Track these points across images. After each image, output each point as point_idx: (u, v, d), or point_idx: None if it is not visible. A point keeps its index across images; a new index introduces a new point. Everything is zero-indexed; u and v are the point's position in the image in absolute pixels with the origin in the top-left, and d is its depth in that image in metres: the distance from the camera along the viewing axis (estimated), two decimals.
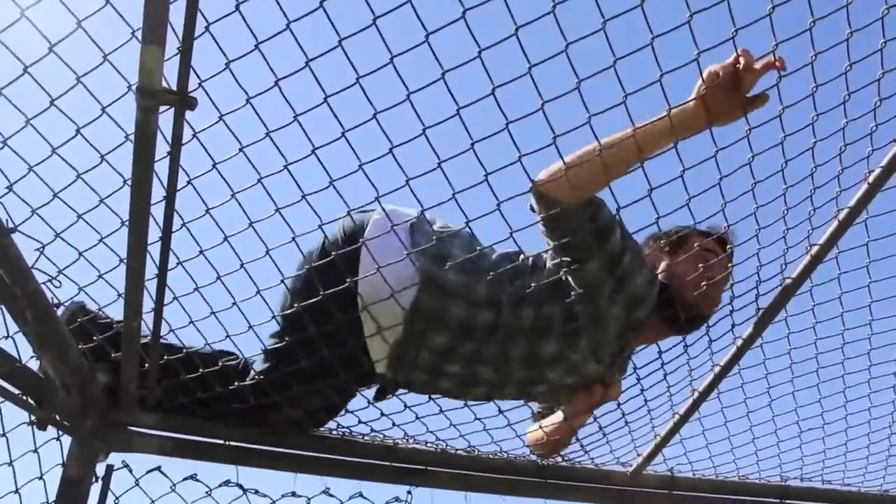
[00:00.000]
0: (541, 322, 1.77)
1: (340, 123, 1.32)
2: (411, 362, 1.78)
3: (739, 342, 2.15)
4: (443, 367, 1.79)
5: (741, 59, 1.38)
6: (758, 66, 1.37)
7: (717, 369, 2.23)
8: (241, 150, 1.40)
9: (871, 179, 1.75)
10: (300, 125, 1.31)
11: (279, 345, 1.76)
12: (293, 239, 1.51)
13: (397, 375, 1.82)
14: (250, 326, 1.70)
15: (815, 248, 1.90)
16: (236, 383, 1.80)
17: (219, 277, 1.62)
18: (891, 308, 2.09)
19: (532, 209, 1.69)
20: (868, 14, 1.36)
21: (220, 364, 1.79)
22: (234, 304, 1.66)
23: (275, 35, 1.23)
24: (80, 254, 1.63)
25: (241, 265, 1.59)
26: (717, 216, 1.64)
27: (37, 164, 1.50)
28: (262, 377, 1.79)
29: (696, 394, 2.25)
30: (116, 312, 1.75)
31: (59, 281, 1.68)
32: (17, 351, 1.65)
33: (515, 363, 1.82)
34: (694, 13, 1.19)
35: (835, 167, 1.68)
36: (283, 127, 1.33)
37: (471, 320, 1.74)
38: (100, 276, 1.67)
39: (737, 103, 1.39)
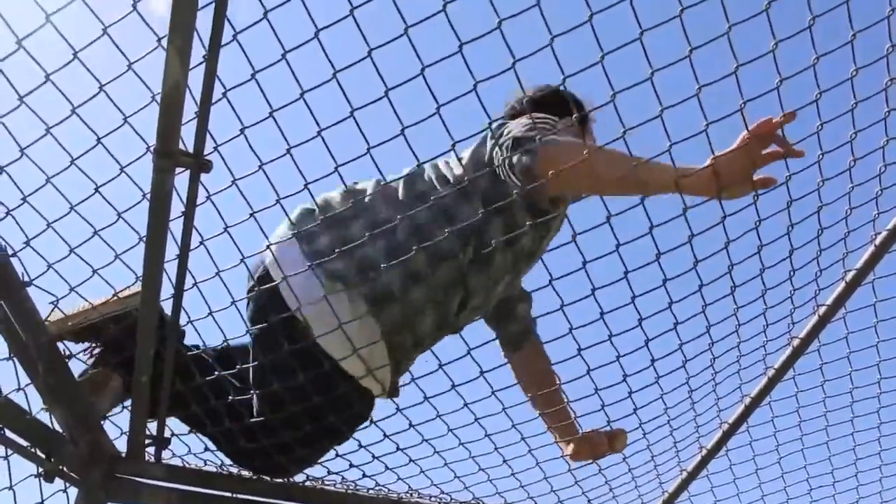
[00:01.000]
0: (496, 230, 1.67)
1: (344, 182, 1.34)
2: (409, 349, 1.74)
3: (748, 400, 2.15)
4: (440, 324, 1.74)
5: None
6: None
7: (725, 426, 2.23)
8: (251, 215, 1.42)
9: (877, 241, 1.77)
10: (310, 193, 1.33)
11: (264, 414, 1.70)
12: (298, 309, 1.52)
13: (400, 368, 1.77)
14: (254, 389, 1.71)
15: (822, 309, 1.91)
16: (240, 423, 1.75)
17: (226, 340, 1.63)
18: None
19: (506, 165, 1.59)
20: (873, 81, 1.38)
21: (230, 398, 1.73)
22: (238, 367, 1.67)
23: (289, 104, 1.26)
24: (94, 307, 1.66)
25: (247, 331, 1.61)
26: (723, 278, 1.65)
27: (55, 221, 1.53)
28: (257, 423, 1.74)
29: (705, 451, 2.25)
30: None
31: None
32: (28, 403, 1.66)
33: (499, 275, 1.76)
34: (703, 85, 1.22)
35: (841, 230, 1.70)
36: (295, 194, 1.35)
37: (438, 285, 1.65)
38: (113, 329, 1.68)
39: (748, 177, 1.38)
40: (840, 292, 1.88)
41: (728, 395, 2.14)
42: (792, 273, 1.73)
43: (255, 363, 1.64)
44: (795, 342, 2.00)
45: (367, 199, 1.64)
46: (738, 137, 1.37)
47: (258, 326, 1.60)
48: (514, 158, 1.54)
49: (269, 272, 1.62)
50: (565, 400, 1.92)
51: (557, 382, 1.87)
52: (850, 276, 1.85)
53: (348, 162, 1.29)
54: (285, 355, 1.55)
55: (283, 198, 1.38)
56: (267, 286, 1.57)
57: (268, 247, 1.54)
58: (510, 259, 1.75)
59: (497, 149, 1.61)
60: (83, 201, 1.51)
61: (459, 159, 1.65)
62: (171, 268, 1.53)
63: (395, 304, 1.61)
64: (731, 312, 1.73)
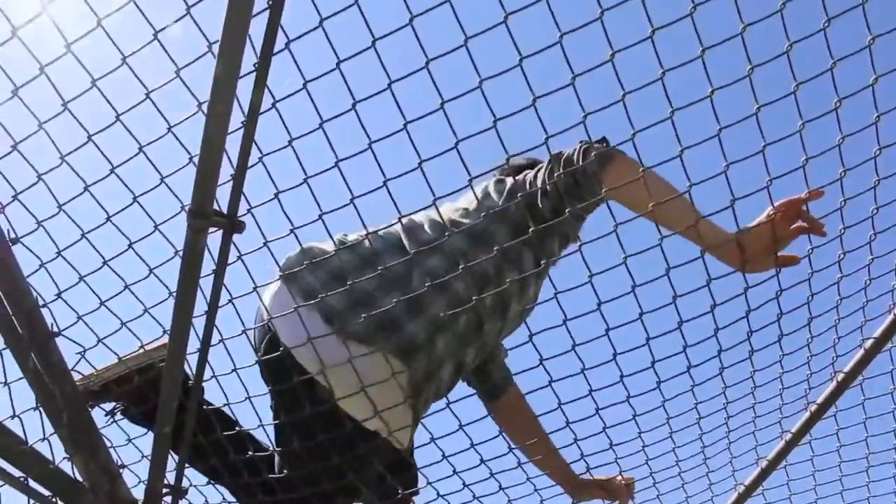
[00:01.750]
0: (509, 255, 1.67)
1: (331, 235, 1.36)
2: (429, 400, 1.72)
3: (764, 463, 2.15)
4: (457, 371, 1.74)
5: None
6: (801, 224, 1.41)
7: (741, 489, 2.22)
8: (280, 276, 1.45)
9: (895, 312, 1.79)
10: (339, 259, 1.36)
11: (283, 470, 1.70)
12: (321, 371, 1.54)
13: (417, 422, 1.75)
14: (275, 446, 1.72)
15: (840, 375, 1.92)
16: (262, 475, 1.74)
17: (248, 398, 1.65)
18: None
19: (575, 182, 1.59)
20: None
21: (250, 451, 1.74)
22: (259, 425, 1.69)
23: (323, 172, 1.29)
24: (120, 359, 1.68)
25: (269, 389, 1.62)
26: (742, 344, 1.66)
27: (87, 275, 1.56)
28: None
29: None
30: None
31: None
32: (52, 452, 1.68)
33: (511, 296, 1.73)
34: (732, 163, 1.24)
35: (860, 299, 1.72)
36: (325, 258, 1.38)
37: (459, 333, 1.64)
38: (136, 381, 1.70)
39: (772, 254, 1.40)
40: (859, 359, 1.89)
41: (743, 454, 2.15)
42: (810, 339, 1.75)
43: (276, 422, 1.65)
44: (813, 407, 2.01)
45: (367, 250, 1.59)
46: (763, 211, 1.40)
47: (279, 387, 1.60)
48: (587, 165, 1.54)
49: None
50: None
51: (541, 427, 1.93)
52: (868, 343, 1.86)
53: (379, 229, 1.31)
54: (306, 416, 1.56)
55: (314, 260, 1.40)
56: (289, 349, 1.56)
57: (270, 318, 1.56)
58: (519, 306, 1.76)
59: (555, 164, 1.61)
60: (116, 256, 1.54)
61: (469, 205, 1.69)
62: (197, 323, 1.56)
63: (421, 354, 1.59)
64: (748, 375, 1.74)
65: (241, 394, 1.72)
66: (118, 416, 1.78)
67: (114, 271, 1.56)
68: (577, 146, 1.61)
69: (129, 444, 1.83)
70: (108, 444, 1.77)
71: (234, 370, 1.65)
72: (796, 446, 2.11)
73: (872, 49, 1.18)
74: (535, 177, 1.67)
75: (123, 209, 1.48)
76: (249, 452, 1.72)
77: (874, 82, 1.21)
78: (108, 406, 1.77)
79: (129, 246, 1.52)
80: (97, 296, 1.59)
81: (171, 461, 1.83)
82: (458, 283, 1.55)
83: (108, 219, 1.50)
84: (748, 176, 1.37)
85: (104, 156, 1.43)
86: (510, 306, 1.72)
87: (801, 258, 1.43)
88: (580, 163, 1.55)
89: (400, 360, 1.57)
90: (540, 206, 1.64)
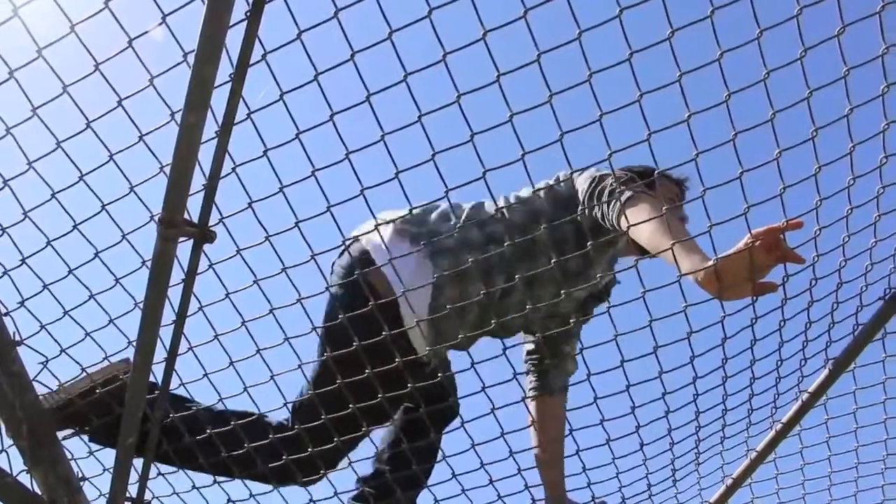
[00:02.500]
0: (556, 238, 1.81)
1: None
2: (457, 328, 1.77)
3: (729, 480, 2.18)
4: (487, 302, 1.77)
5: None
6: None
7: None
8: (255, 282, 1.43)
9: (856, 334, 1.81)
10: (317, 264, 1.35)
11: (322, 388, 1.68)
12: (299, 366, 1.52)
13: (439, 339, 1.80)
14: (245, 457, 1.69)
15: (805, 395, 1.95)
16: (270, 436, 1.74)
17: (220, 399, 1.62)
18: None
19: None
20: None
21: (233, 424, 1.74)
22: (231, 427, 1.66)
23: (299, 181, 1.27)
24: (83, 369, 1.64)
25: (245, 388, 1.60)
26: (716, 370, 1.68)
27: (52, 283, 1.53)
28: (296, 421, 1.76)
29: None
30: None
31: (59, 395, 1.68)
32: (10, 465, 1.64)
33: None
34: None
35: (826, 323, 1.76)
36: (300, 265, 1.36)
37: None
38: (100, 392, 1.67)
39: (749, 282, 1.41)
40: (822, 380, 1.93)
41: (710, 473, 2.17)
42: (779, 363, 1.77)
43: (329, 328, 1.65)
44: (778, 426, 2.04)
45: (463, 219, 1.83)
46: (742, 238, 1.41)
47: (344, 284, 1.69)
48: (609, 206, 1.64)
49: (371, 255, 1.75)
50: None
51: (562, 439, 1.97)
52: (831, 364, 1.89)
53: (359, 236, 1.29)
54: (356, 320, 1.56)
55: (288, 267, 1.38)
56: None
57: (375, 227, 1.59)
58: (582, 282, 1.84)
59: (594, 191, 1.71)
60: (82, 265, 1.50)
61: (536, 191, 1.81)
62: (164, 333, 1.53)
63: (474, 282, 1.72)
64: (720, 400, 1.76)
65: (213, 398, 1.70)
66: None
67: (79, 280, 1.52)
68: (614, 180, 1.64)
69: (91, 457, 1.78)
70: (69, 455, 1.73)
71: (205, 375, 1.63)
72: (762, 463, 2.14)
73: (848, 79, 1.19)
74: (584, 192, 1.75)
75: (91, 217, 1.45)
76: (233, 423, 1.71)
77: (849, 112, 1.22)
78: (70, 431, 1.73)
79: (96, 255, 1.49)
80: (61, 305, 1.56)
81: (135, 473, 1.80)
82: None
83: (75, 226, 1.47)
84: (724, 203, 1.39)
85: (73, 162, 1.40)
86: (569, 273, 1.82)
87: (778, 285, 1.44)
88: (609, 199, 1.64)
89: (455, 279, 1.72)
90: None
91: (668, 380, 1.54)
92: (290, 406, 1.72)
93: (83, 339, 1.60)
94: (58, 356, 1.61)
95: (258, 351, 1.52)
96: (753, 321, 1.49)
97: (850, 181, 1.31)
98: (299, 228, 1.35)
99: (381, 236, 1.60)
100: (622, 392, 1.53)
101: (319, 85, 1.18)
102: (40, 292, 1.54)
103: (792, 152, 1.23)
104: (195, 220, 1.40)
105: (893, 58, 1.19)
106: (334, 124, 1.19)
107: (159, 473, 1.85)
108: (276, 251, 1.37)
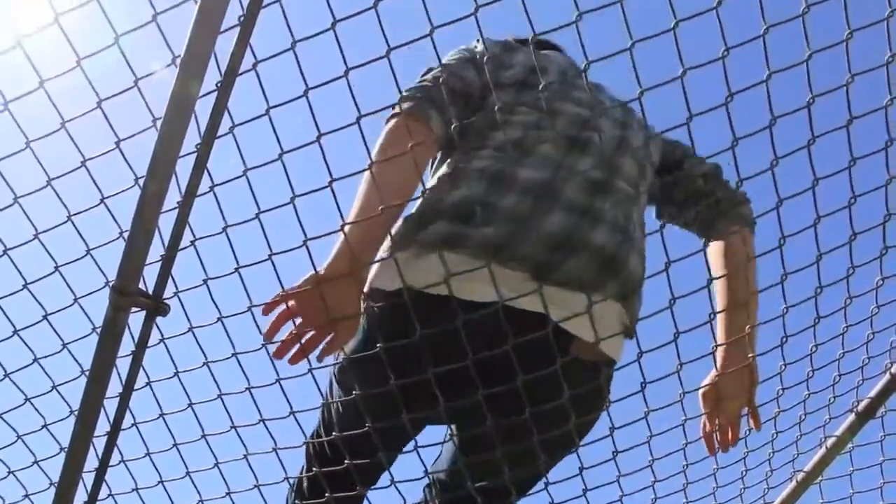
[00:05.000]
0: None
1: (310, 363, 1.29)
2: None
3: None
4: None
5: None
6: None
7: None
8: (205, 363, 1.38)
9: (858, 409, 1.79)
10: (267, 351, 1.29)
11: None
12: (245, 457, 1.45)
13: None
14: None
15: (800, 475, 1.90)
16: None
17: (161, 482, 1.55)
18: None
19: None
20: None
21: None
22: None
23: (255, 263, 1.24)
24: (19, 437, 1.57)
25: (187, 473, 1.52)
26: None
27: None
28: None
29: None
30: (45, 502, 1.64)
31: None
32: None
33: None
34: None
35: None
36: (253, 351, 1.31)
37: None
38: (35, 462, 1.59)
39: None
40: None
41: None
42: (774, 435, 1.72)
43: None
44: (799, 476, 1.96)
45: None
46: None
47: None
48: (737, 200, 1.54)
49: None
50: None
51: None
52: (830, 441, 1.85)
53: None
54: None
55: (239, 353, 1.33)
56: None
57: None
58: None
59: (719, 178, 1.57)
60: (29, 327, 1.45)
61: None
62: (109, 405, 1.46)
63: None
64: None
65: (153, 479, 1.62)
66: None
67: (23, 342, 1.47)
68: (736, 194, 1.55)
69: None
70: None
71: (147, 455, 1.56)
72: None
73: (817, 191, 1.19)
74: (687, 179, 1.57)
75: (43, 277, 1.40)
76: None
77: (817, 222, 1.21)
78: None
79: (44, 317, 1.43)
80: (2, 367, 1.49)
81: None
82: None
83: (25, 286, 1.42)
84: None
85: (29, 219, 1.36)
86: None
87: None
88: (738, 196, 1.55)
89: None
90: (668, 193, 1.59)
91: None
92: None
93: (23, 404, 1.52)
94: None
95: (203, 436, 1.46)
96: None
97: (817, 290, 1.29)
98: (252, 314, 1.30)
99: None
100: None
101: (284, 166, 1.15)
102: None
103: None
104: (150, 289, 1.35)
105: None
106: (295, 209, 1.16)
107: None
108: (227, 334, 1.32)
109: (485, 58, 1.41)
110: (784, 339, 1.40)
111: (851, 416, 1.80)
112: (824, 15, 1.11)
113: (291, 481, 1.50)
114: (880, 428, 1.85)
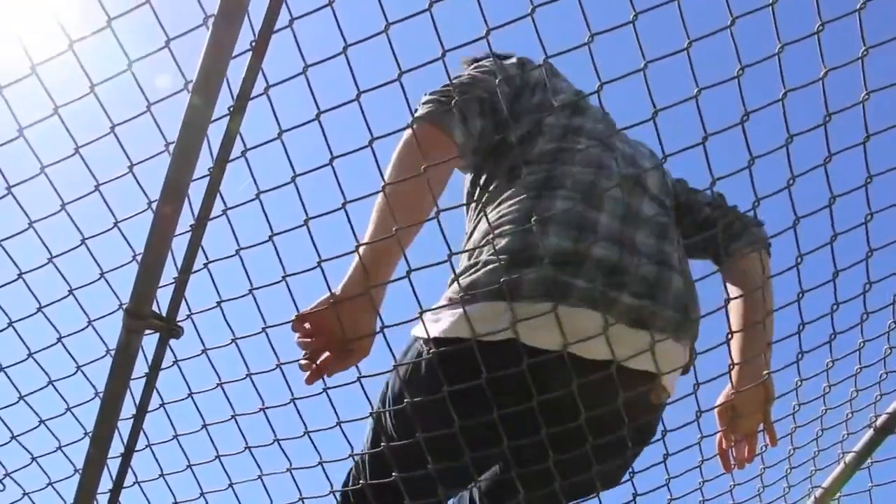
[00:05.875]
0: None
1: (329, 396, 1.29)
2: None
3: None
4: None
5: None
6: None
7: None
8: (219, 384, 1.37)
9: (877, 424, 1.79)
10: (282, 372, 1.29)
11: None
12: (259, 477, 1.45)
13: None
14: None
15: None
16: None
17: (175, 503, 1.54)
18: None
19: None
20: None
21: None
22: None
23: (270, 285, 1.24)
24: (34, 458, 1.57)
25: (201, 493, 1.52)
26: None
27: (9, 366, 1.47)
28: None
29: None
30: None
31: (3, 484, 1.60)
32: None
33: None
34: None
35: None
36: (265, 372, 1.31)
37: None
38: (49, 484, 1.59)
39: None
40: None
41: None
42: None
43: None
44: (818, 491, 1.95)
45: None
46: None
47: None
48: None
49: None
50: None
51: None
52: (849, 457, 1.85)
53: None
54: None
55: (254, 374, 1.33)
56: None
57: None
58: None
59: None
60: (44, 349, 1.45)
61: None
62: (123, 426, 1.46)
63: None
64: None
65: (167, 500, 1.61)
66: None
67: (38, 364, 1.47)
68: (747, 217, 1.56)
69: None
70: None
71: (161, 476, 1.55)
72: None
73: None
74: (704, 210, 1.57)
75: (57, 301, 1.40)
76: None
77: (833, 240, 1.20)
78: None
79: (59, 340, 1.44)
80: (17, 389, 1.49)
81: None
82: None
83: (40, 309, 1.42)
84: None
85: (43, 243, 1.37)
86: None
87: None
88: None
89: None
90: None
91: None
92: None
93: (37, 427, 1.53)
94: (7, 443, 1.55)
95: (217, 457, 1.45)
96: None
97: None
98: (267, 334, 1.30)
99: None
100: None
101: (296, 187, 1.15)
102: None
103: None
104: (164, 311, 1.35)
105: None
106: (309, 230, 1.16)
107: None
108: (241, 355, 1.32)
109: (530, 76, 1.42)
110: (800, 356, 1.39)
111: (870, 432, 1.79)
112: (840, 32, 1.10)
113: None
114: None
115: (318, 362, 1.22)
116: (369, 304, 1.19)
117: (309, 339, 1.21)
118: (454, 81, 1.37)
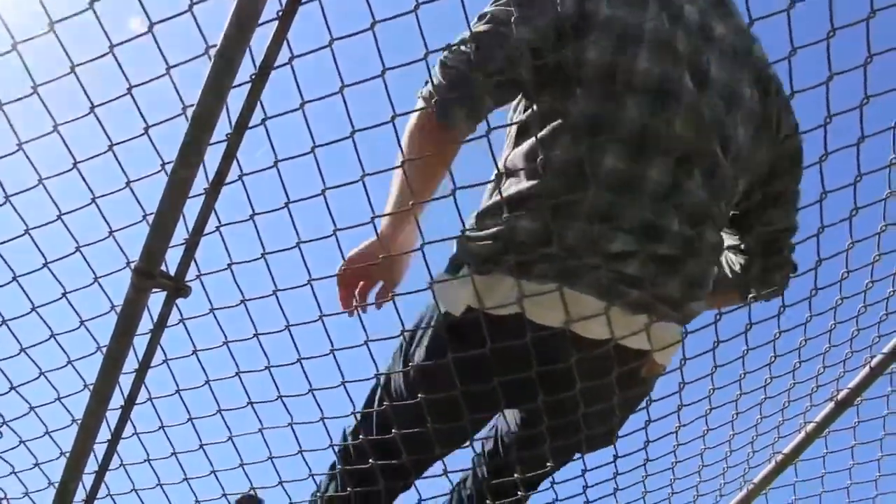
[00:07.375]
0: None
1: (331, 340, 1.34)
2: None
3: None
4: None
5: None
6: None
7: None
8: (224, 343, 1.41)
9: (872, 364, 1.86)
10: (291, 335, 1.34)
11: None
12: (260, 430, 1.50)
13: None
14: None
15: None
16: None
17: (174, 453, 1.59)
18: None
19: None
20: None
21: None
22: (184, 479, 1.62)
23: (283, 250, 1.27)
24: (32, 408, 1.59)
25: (200, 445, 1.56)
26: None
27: (11, 319, 1.49)
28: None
29: None
30: (55, 472, 1.66)
31: (1, 431, 1.62)
32: None
33: None
34: None
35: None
36: (273, 332, 1.35)
37: None
38: (47, 433, 1.62)
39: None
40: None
41: None
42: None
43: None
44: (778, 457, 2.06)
45: None
46: None
47: None
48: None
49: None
50: None
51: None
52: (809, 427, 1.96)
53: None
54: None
55: (261, 334, 1.37)
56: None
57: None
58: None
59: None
60: (48, 304, 1.47)
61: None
62: (124, 381, 1.49)
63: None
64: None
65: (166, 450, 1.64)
66: None
67: (41, 318, 1.49)
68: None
69: None
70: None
71: (161, 428, 1.59)
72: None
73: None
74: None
75: (64, 257, 1.42)
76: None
77: (821, 231, 1.28)
78: None
79: (63, 295, 1.46)
80: (18, 342, 1.51)
81: None
82: None
83: (45, 265, 1.44)
84: None
85: (53, 201, 1.38)
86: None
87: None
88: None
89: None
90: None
91: None
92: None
93: (37, 378, 1.55)
94: (7, 393, 1.57)
95: (219, 411, 1.50)
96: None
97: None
98: (277, 297, 1.33)
99: None
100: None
101: (316, 158, 1.18)
102: None
103: None
104: (172, 271, 1.38)
105: None
106: (325, 200, 1.19)
107: None
108: (250, 316, 1.36)
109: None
110: (777, 335, 1.48)
111: (831, 405, 1.91)
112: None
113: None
114: (855, 416, 1.96)
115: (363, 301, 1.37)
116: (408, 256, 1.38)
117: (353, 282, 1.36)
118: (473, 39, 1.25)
